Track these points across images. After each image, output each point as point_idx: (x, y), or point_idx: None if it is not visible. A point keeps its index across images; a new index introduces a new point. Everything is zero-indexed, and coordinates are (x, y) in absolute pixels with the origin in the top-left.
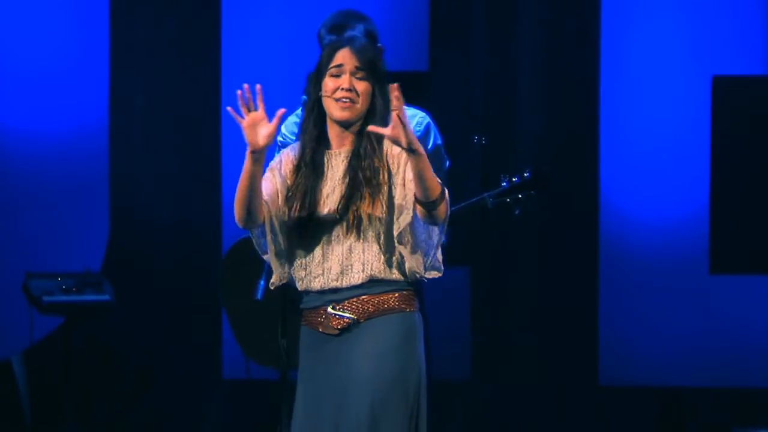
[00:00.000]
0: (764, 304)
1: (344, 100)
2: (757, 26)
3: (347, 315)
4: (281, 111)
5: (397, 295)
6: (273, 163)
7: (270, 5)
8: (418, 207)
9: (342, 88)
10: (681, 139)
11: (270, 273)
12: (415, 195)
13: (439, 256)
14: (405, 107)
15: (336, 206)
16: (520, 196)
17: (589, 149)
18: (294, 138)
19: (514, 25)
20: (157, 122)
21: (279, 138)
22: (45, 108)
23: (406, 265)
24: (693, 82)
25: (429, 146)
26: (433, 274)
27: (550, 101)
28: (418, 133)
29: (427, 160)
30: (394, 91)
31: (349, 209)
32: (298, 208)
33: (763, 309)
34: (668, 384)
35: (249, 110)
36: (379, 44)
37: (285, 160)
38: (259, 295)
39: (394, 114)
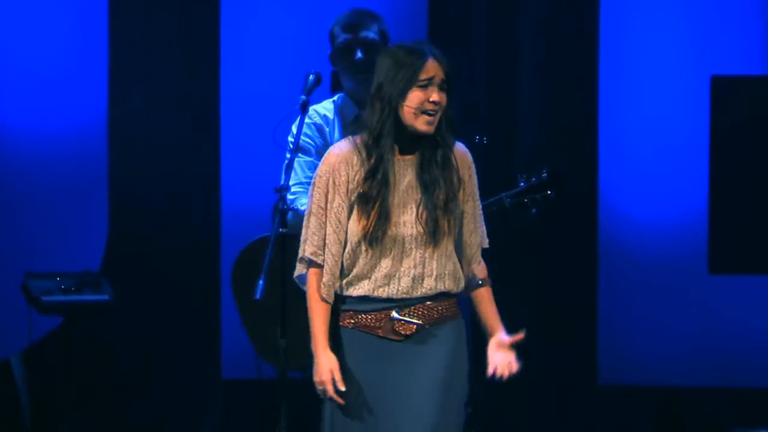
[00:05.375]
0: (763, 304)
1: (431, 112)
2: (755, 26)
3: (414, 321)
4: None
5: (453, 301)
6: (321, 203)
7: (269, 3)
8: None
9: (431, 100)
10: (680, 139)
11: (269, 273)
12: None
13: None
14: None
15: (414, 217)
16: (537, 196)
17: (588, 149)
18: (313, 142)
19: (513, 25)
20: (156, 122)
21: (290, 138)
22: (44, 107)
23: (466, 279)
24: (692, 82)
25: None
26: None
27: (550, 101)
28: None
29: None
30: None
31: (430, 219)
32: (373, 221)
33: (762, 309)
34: (667, 384)
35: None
36: (390, 44)
37: (337, 180)
38: (258, 295)
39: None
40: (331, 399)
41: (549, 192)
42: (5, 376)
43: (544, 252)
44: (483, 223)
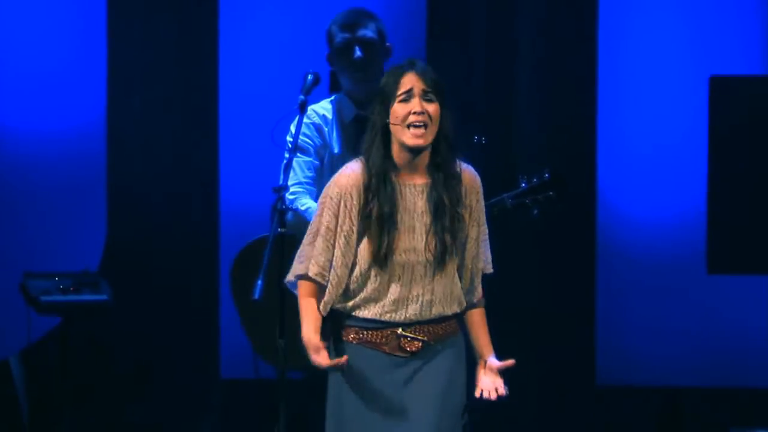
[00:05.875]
0: (762, 304)
1: (417, 124)
2: (754, 26)
3: (420, 338)
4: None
5: (455, 319)
6: (330, 225)
7: (268, 4)
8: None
9: (414, 111)
10: (678, 139)
11: (268, 273)
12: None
13: None
14: None
15: (424, 243)
16: (539, 196)
17: (587, 149)
18: (311, 142)
19: (512, 25)
20: (154, 122)
21: (288, 138)
22: (42, 108)
23: (466, 300)
24: (690, 82)
25: None
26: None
27: (548, 101)
28: None
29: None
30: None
31: (437, 241)
32: (384, 242)
33: (760, 309)
34: (665, 384)
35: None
36: (387, 43)
37: (347, 204)
38: (256, 295)
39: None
40: (334, 372)
41: (551, 192)
42: (4, 376)
43: (542, 252)
44: (488, 248)
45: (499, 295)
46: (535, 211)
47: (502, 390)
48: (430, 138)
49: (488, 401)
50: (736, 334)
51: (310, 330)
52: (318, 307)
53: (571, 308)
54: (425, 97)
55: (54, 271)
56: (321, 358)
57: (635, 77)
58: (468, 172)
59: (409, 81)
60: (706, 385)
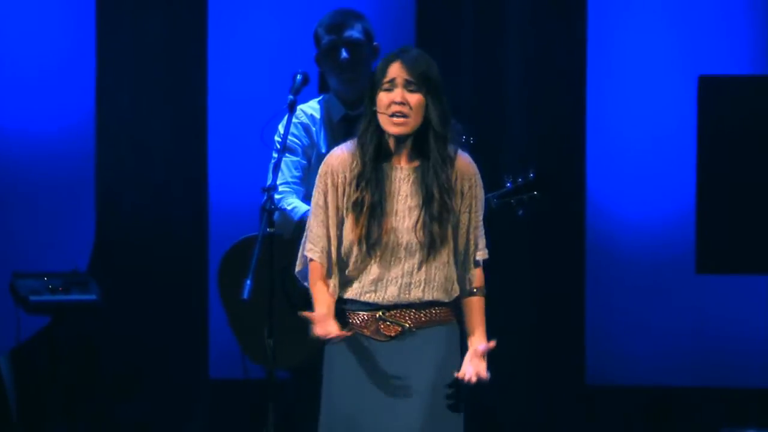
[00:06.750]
0: (750, 304)
1: (397, 114)
2: (743, 26)
3: (399, 322)
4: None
5: (445, 309)
6: (320, 202)
7: (257, 4)
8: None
9: (395, 102)
10: (667, 138)
11: (256, 272)
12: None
13: None
14: None
15: (410, 227)
16: (523, 197)
17: (576, 149)
18: (299, 142)
19: (501, 26)
20: (143, 122)
21: (277, 137)
22: (31, 108)
23: (457, 288)
24: (679, 81)
25: None
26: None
27: (538, 101)
28: None
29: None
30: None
31: (425, 231)
32: (364, 226)
33: (749, 308)
34: (655, 383)
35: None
36: (375, 43)
37: (335, 181)
38: (245, 295)
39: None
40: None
41: (535, 193)
42: None
43: (531, 252)
44: (482, 235)
45: (488, 295)
46: (520, 212)
47: (483, 375)
48: (410, 127)
49: (468, 384)
50: (725, 334)
51: (322, 309)
52: (328, 289)
53: (561, 308)
54: (408, 87)
55: (43, 270)
56: (328, 328)
57: (624, 77)
58: (462, 159)
59: (394, 71)
60: (695, 385)
